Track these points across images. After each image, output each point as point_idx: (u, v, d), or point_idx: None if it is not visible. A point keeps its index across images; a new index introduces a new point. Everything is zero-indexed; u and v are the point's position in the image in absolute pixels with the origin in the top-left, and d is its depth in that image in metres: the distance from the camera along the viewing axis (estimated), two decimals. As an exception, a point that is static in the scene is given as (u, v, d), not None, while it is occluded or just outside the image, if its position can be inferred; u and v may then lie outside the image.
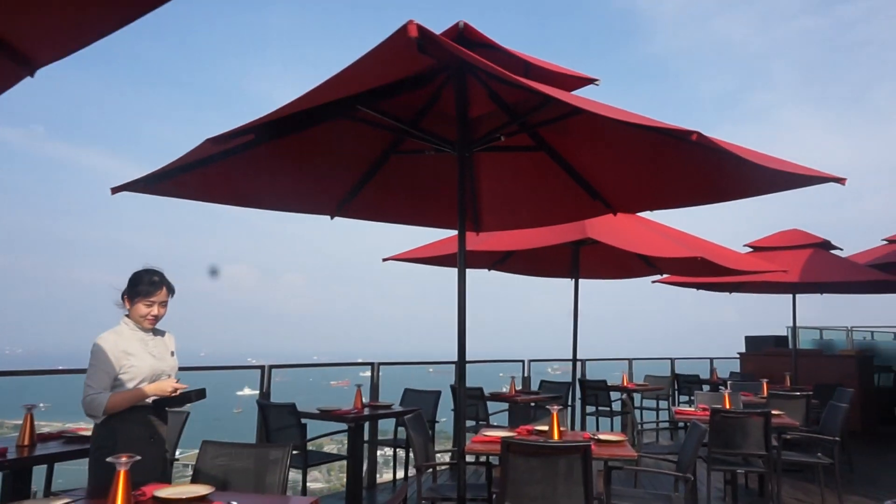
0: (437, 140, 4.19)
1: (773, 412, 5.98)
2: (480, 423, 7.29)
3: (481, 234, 7.02)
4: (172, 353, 3.28)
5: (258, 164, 4.54)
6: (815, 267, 9.56)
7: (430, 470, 4.75)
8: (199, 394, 3.15)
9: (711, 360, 11.89)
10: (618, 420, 8.90)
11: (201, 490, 2.62)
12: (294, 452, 5.16)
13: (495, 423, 7.27)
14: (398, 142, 4.76)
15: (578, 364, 9.75)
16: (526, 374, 8.80)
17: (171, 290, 3.29)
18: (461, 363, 4.01)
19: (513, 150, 4.76)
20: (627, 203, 5.03)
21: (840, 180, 3.69)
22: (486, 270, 8.69)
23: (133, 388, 3.03)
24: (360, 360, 6.70)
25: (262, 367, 5.67)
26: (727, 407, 5.99)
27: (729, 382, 8.98)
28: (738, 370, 12.06)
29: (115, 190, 4.05)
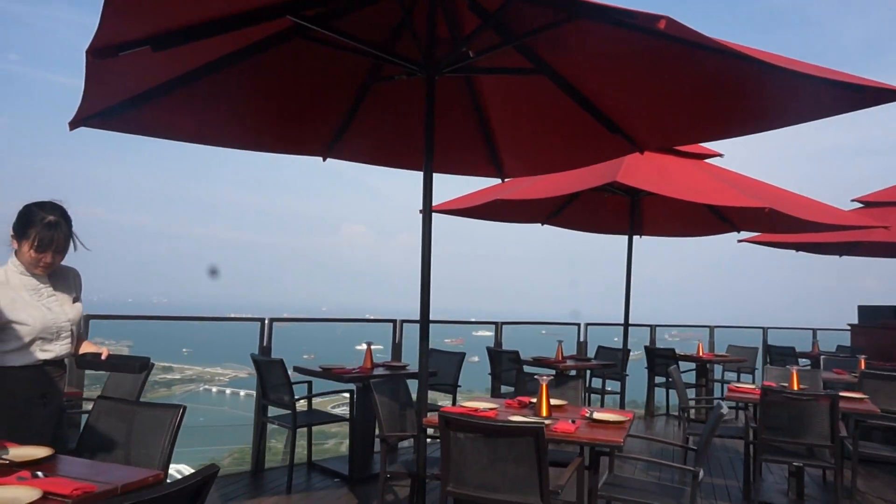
0: (406, 62, 3.57)
1: (850, 395, 4.96)
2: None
3: (510, 183, 6.35)
4: (76, 299, 2.75)
5: (231, 97, 4.11)
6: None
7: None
8: (142, 365, 2.60)
9: (815, 330, 10.48)
10: (689, 392, 7.93)
11: (39, 453, 2.25)
12: (286, 412, 4.83)
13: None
14: (377, 70, 4.17)
15: (648, 330, 8.86)
16: (582, 339, 8.02)
17: (68, 235, 2.59)
18: (424, 322, 3.44)
19: (504, 73, 4.05)
20: (652, 136, 4.20)
21: None
22: (540, 225, 7.97)
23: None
24: (384, 318, 6.26)
25: (261, 320, 5.35)
26: (794, 386, 5.02)
27: (822, 357, 7.78)
28: (848, 344, 10.58)
29: (72, 125, 3.77)
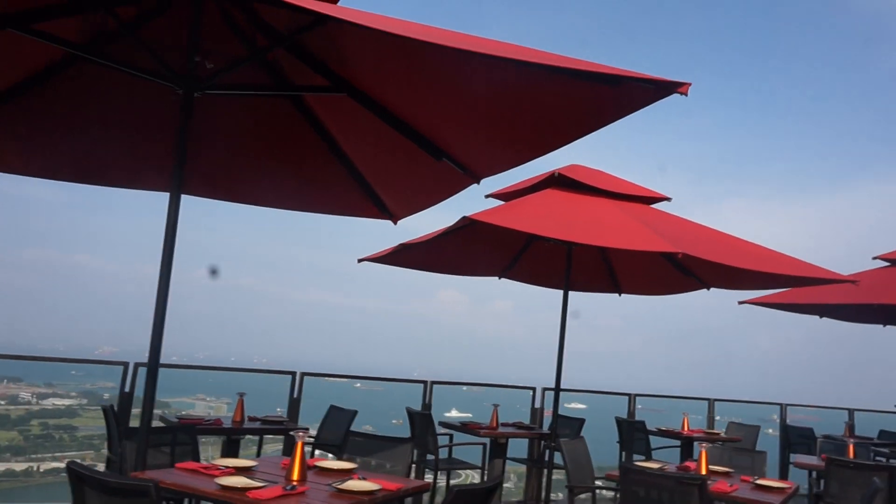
0: (166, 79, 3.28)
1: (767, 482, 4.02)
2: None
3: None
4: None
5: (45, 126, 4.00)
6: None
7: None
8: None
9: (851, 411, 9.05)
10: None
11: None
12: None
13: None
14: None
15: (627, 400, 7.90)
16: (537, 405, 7.19)
17: None
18: (152, 367, 3.01)
19: (300, 91, 3.73)
20: (480, 162, 3.65)
21: (680, 87, 2.33)
22: (497, 279, 7.39)
23: None
24: (283, 370, 5.84)
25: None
26: (703, 468, 4.13)
27: (819, 440, 6.61)
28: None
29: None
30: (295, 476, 3.01)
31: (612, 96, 2.61)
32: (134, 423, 5.14)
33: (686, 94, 2.33)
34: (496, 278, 7.44)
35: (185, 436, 3.75)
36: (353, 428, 5.43)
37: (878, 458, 7.10)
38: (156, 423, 5.10)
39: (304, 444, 3.09)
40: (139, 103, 4.01)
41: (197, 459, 3.57)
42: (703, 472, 4.10)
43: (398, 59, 3.20)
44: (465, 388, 9.86)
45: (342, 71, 3.49)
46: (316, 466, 3.36)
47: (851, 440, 5.90)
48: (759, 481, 4.06)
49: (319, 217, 4.83)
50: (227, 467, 3.08)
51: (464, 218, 4.33)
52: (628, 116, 2.67)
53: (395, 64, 3.28)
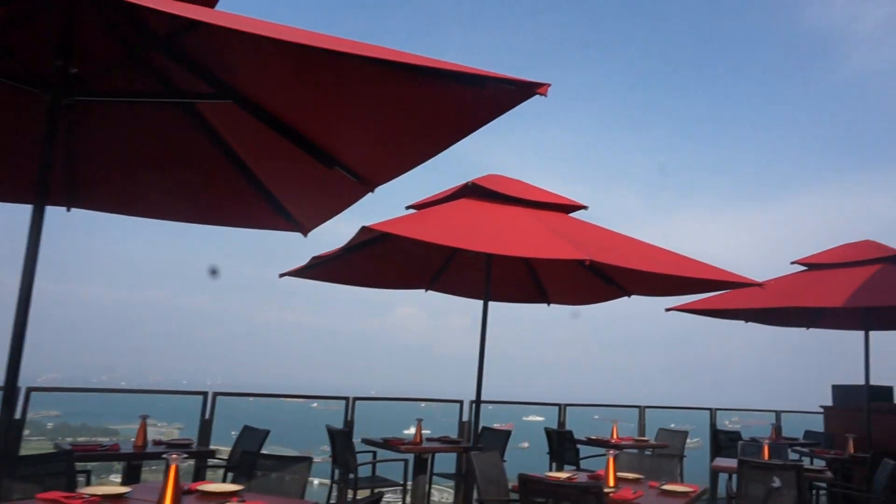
0: (32, 84, 3.11)
1: (674, 487, 4.01)
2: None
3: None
4: None
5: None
6: (890, 289, 7.01)
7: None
8: None
9: (778, 413, 9.24)
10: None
11: None
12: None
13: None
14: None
15: (557, 410, 7.89)
16: (465, 419, 7.12)
17: None
18: (9, 388, 2.82)
19: (186, 99, 3.60)
20: (370, 170, 3.57)
21: (540, 87, 2.26)
22: (424, 291, 7.31)
23: None
24: (194, 390, 5.62)
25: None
26: (610, 478, 4.10)
27: (740, 444, 6.70)
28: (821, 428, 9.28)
29: None
30: (167, 502, 2.85)
31: (479, 97, 2.58)
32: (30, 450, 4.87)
33: (545, 95, 2.31)
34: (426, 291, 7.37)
35: (63, 464, 3.53)
36: (312, 448, 5.23)
37: (802, 459, 7.26)
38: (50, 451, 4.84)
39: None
40: (23, 114, 3.82)
41: (72, 488, 3.36)
42: (611, 479, 4.07)
43: (279, 64, 3.11)
44: (422, 404, 9.73)
45: (227, 77, 3.38)
46: (198, 490, 3.20)
47: (767, 441, 5.99)
48: (665, 486, 4.06)
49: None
50: (93, 495, 2.89)
51: (363, 228, 4.24)
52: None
53: (277, 69, 3.18)
